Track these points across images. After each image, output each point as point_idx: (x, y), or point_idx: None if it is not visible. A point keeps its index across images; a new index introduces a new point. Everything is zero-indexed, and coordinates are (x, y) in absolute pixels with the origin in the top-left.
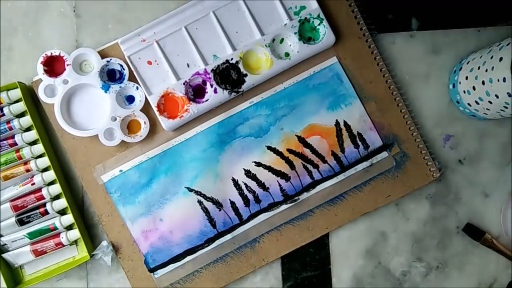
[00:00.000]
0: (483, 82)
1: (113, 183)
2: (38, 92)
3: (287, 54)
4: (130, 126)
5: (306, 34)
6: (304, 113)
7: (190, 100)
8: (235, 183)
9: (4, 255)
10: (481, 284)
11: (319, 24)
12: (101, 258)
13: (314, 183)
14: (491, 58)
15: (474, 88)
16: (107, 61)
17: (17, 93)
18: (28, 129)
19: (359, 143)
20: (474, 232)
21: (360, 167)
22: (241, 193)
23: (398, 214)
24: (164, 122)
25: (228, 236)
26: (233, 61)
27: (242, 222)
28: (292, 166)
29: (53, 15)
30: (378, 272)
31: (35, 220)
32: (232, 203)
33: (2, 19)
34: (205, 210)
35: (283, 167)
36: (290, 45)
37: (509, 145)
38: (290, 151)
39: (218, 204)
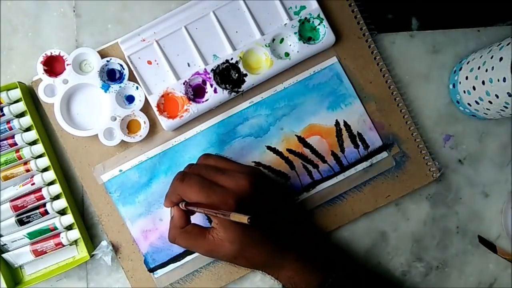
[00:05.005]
0: (483, 82)
1: (112, 183)
2: (38, 92)
3: (287, 54)
4: (130, 126)
5: (306, 34)
6: (304, 113)
7: (190, 100)
8: None
9: (4, 255)
10: (481, 284)
11: (319, 24)
12: (101, 258)
13: (314, 183)
14: (491, 58)
15: (474, 88)
16: (107, 61)
17: (17, 93)
18: (28, 129)
19: (359, 143)
20: (487, 244)
21: (360, 167)
22: None
23: (398, 214)
24: (164, 122)
25: None
26: (233, 61)
27: None
28: (292, 166)
29: (53, 15)
30: (378, 272)
31: (35, 220)
32: None
33: (2, 19)
34: None
35: (283, 167)
36: (290, 45)
37: (509, 145)
38: (290, 151)
39: None
